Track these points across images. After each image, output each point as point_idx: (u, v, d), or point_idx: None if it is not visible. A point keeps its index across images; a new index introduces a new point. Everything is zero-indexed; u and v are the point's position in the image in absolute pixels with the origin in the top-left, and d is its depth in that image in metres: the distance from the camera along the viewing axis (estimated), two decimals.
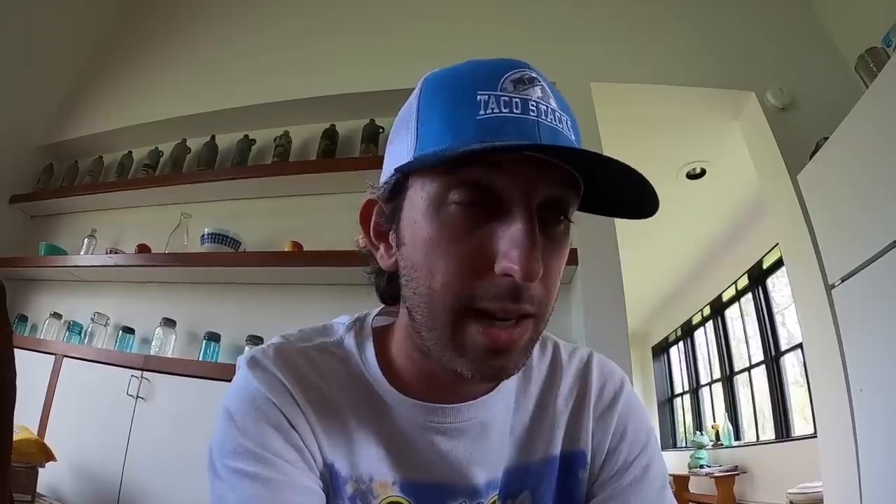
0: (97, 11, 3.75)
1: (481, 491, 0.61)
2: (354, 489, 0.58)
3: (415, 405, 0.60)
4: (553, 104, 0.51)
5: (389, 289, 0.63)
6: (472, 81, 0.51)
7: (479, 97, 0.49)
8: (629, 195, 0.52)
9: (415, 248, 0.52)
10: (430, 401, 0.60)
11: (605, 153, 0.46)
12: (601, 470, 0.65)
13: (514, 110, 0.49)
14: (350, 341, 0.64)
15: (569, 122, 0.52)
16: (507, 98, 0.49)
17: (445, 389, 0.60)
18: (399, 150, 0.55)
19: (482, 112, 0.49)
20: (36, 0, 3.29)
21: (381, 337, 0.65)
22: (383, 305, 0.68)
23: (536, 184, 0.49)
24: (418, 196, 0.52)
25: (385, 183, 0.57)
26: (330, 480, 0.58)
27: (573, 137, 0.52)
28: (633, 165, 0.47)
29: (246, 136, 2.86)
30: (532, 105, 0.49)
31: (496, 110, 0.49)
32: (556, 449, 0.65)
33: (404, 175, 0.54)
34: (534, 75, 0.52)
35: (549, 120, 0.50)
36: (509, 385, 0.64)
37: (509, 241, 0.48)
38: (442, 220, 0.50)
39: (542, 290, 0.51)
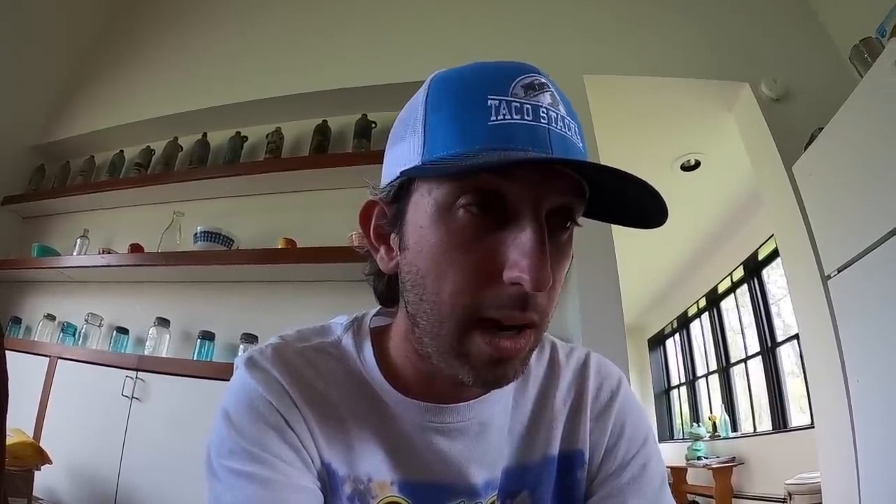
0: (87, 11, 3.72)
1: (480, 491, 0.61)
2: (353, 489, 0.58)
3: (413, 405, 0.60)
4: (562, 111, 0.51)
5: (388, 291, 0.63)
6: (483, 85, 0.50)
7: (489, 102, 0.48)
8: (638, 204, 0.52)
9: (421, 254, 0.51)
10: (429, 401, 0.60)
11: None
12: (599, 469, 0.65)
13: (526, 117, 0.48)
14: (348, 341, 0.64)
15: (576, 130, 0.52)
16: (518, 104, 0.48)
17: (444, 390, 0.60)
18: (404, 152, 0.53)
19: (494, 118, 0.48)
20: (26, 1, 3.26)
21: (380, 337, 0.64)
22: (381, 306, 0.67)
23: (546, 191, 0.48)
24: (424, 200, 0.51)
25: (388, 185, 0.56)
26: (327, 480, 0.58)
27: (580, 145, 0.52)
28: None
29: (238, 133, 2.84)
30: (543, 112, 0.49)
31: (508, 116, 0.48)
32: (555, 449, 0.64)
33: (409, 178, 0.53)
34: (544, 81, 0.51)
35: (558, 127, 0.49)
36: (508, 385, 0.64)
37: (519, 250, 0.47)
38: (449, 227, 0.50)
39: (545, 298, 0.50)
